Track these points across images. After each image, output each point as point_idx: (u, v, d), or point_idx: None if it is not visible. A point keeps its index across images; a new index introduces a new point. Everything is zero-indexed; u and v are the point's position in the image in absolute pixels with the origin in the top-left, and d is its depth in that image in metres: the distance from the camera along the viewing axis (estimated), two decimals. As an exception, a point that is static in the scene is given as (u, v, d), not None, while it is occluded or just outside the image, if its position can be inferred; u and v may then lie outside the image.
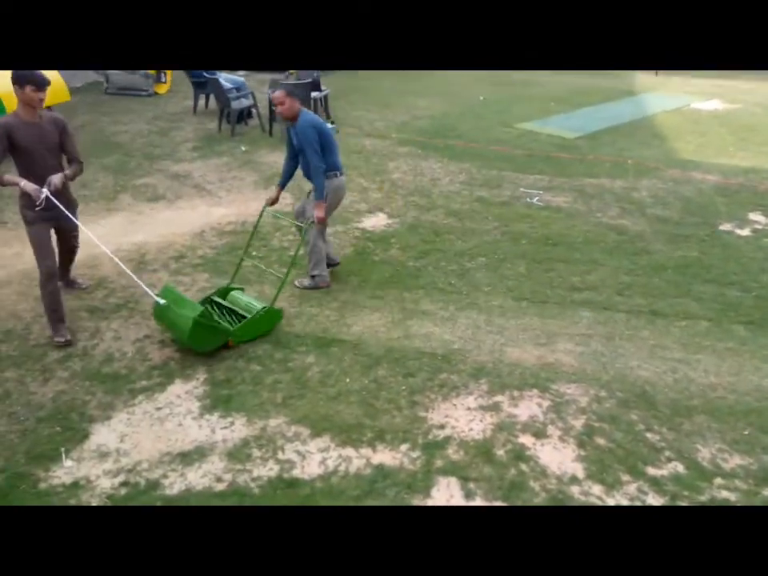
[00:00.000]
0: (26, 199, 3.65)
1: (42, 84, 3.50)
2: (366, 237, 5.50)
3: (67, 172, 3.84)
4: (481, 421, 3.32)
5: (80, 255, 4.96)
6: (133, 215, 5.88)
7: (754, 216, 6.08)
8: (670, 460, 3.07)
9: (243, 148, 7.78)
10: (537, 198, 6.40)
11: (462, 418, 3.33)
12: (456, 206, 6.22)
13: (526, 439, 3.19)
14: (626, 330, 4.19)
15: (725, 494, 2.86)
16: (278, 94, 4.22)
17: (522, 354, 3.91)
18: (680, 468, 3.01)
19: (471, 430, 3.25)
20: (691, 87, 12.42)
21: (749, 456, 3.09)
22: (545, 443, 3.17)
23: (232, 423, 3.23)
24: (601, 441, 3.18)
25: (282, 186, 4.63)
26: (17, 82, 3.46)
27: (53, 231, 3.95)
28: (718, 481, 2.94)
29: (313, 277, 4.54)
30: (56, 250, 3.97)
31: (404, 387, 3.55)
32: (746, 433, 3.25)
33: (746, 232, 5.73)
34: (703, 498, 2.82)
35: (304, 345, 3.90)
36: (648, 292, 4.63)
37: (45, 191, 3.53)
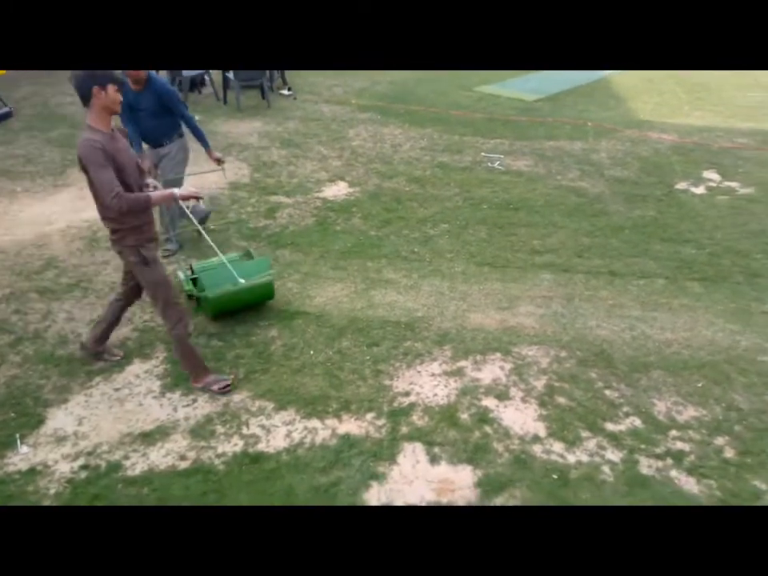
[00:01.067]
0: (146, 231, 2.96)
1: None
2: (327, 207, 5.41)
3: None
4: (445, 386, 3.34)
5: (28, 234, 4.77)
6: (82, 191, 5.64)
7: (708, 174, 6.20)
8: (627, 415, 3.16)
9: (197, 117, 7.49)
10: (498, 162, 6.39)
11: (426, 384, 3.35)
12: (418, 172, 6.16)
13: (489, 402, 3.23)
14: (586, 290, 4.26)
15: (679, 445, 2.96)
16: None
17: (485, 318, 3.94)
18: (637, 422, 3.11)
19: (436, 395, 3.27)
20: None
21: (702, 407, 3.21)
22: (507, 405, 3.22)
23: (194, 401, 3.18)
24: (561, 400, 3.25)
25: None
26: (96, 83, 2.66)
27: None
28: (673, 433, 3.04)
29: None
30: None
31: (368, 357, 3.55)
32: (700, 385, 3.36)
33: (700, 190, 5.84)
34: (658, 451, 2.92)
35: (266, 319, 3.84)
36: (606, 253, 4.71)
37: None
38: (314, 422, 3.05)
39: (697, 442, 2.98)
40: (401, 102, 8.42)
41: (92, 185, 2.82)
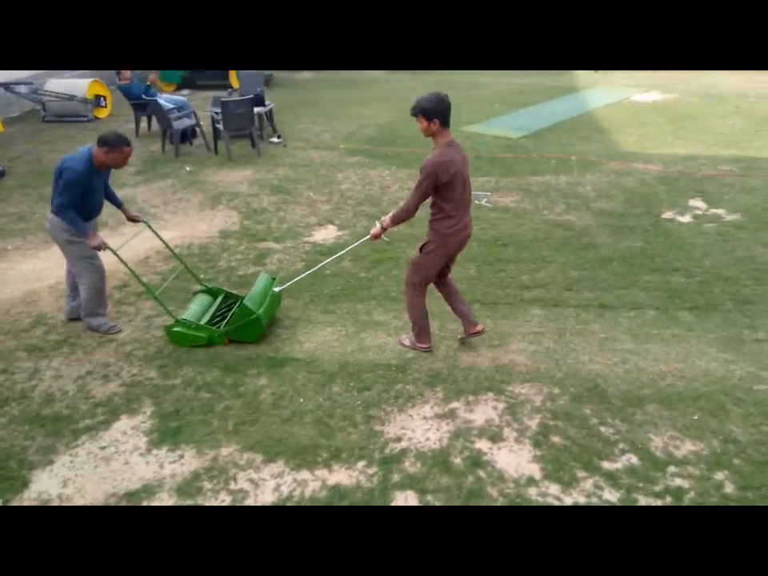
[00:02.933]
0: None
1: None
2: (316, 250, 5.44)
3: None
4: (437, 429, 3.29)
5: (17, 291, 4.77)
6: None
7: (694, 202, 6.26)
8: (623, 452, 3.09)
9: (188, 168, 7.63)
10: (485, 199, 6.46)
11: (418, 428, 3.30)
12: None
13: (482, 444, 3.17)
14: (577, 324, 4.24)
15: (678, 481, 2.89)
16: None
17: (477, 357, 3.90)
18: (634, 459, 3.04)
19: (428, 439, 3.21)
20: (630, 80, 12.82)
21: (699, 441, 3.15)
22: (501, 447, 3.16)
23: (181, 456, 3.11)
24: (556, 439, 3.19)
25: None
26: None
27: None
28: (671, 469, 2.97)
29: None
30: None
31: (359, 402, 3.50)
32: (696, 418, 3.30)
33: (687, 219, 5.89)
34: (657, 489, 2.85)
35: (255, 367, 3.81)
36: (596, 285, 4.71)
37: None
38: (304, 474, 2.98)
39: (696, 477, 2.91)
40: (388, 144, 8.58)
41: None
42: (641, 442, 3.16)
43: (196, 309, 4.19)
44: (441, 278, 3.95)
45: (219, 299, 4.40)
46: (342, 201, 6.56)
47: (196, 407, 3.46)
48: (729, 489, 2.83)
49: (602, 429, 3.26)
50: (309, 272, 4.39)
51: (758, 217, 5.83)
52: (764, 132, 8.83)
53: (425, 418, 3.38)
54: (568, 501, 2.80)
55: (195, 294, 4.46)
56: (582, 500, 2.80)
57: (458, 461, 3.06)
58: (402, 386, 3.64)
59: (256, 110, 8.34)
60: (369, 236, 3.87)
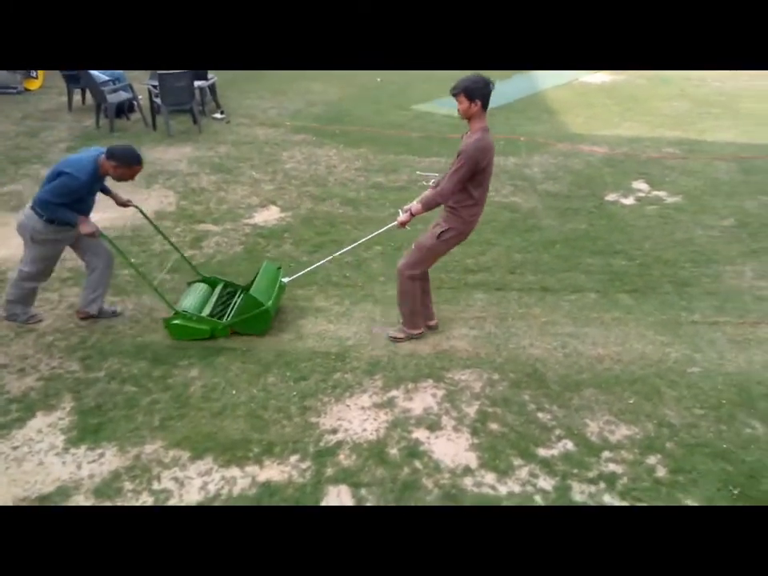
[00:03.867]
0: None
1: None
2: (256, 233, 5.24)
3: None
4: (375, 420, 3.20)
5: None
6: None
7: (637, 184, 6.33)
8: (560, 438, 3.08)
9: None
10: (433, 180, 6.34)
11: (355, 419, 3.20)
12: (352, 193, 6.06)
13: (420, 434, 3.11)
14: (519, 308, 4.21)
15: (612, 467, 2.90)
16: None
17: (418, 344, 3.83)
18: (570, 445, 3.03)
19: (365, 430, 3.12)
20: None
21: (634, 425, 3.17)
22: (439, 435, 3.10)
23: (101, 455, 2.93)
24: (494, 426, 3.16)
25: None
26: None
27: None
28: (606, 454, 2.98)
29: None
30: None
31: (295, 393, 3.37)
32: (631, 402, 3.33)
33: (630, 201, 5.95)
34: (591, 475, 2.85)
35: (186, 358, 3.62)
36: (539, 268, 4.69)
37: None
38: (233, 471, 2.85)
39: (629, 462, 2.93)
40: (336, 122, 8.35)
41: None
42: (577, 427, 3.15)
43: (193, 300, 3.93)
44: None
45: (218, 289, 4.16)
46: (286, 181, 6.33)
47: (120, 402, 3.27)
48: (661, 473, 2.86)
49: (540, 415, 3.25)
50: (324, 260, 4.20)
51: (698, 199, 5.94)
52: (706, 115, 9.02)
53: (362, 407, 3.29)
54: (503, 490, 2.77)
55: (190, 283, 4.19)
56: (516, 489, 2.77)
57: (394, 451, 2.98)
58: (340, 374, 3.53)
59: (197, 83, 7.94)
60: (395, 223, 3.67)
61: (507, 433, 3.11)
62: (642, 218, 5.57)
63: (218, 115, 8.42)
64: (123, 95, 8.09)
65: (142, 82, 8.75)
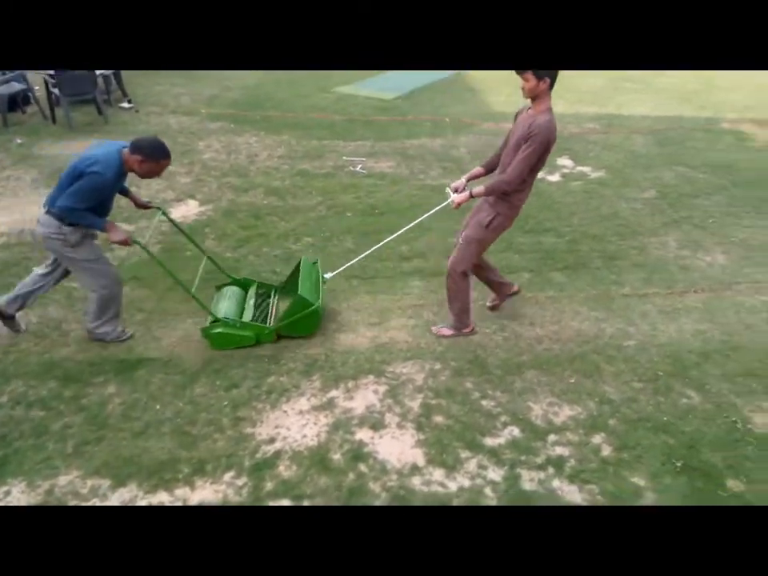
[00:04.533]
0: None
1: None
2: (175, 230, 4.85)
3: None
4: (315, 424, 3.02)
5: None
6: None
7: (562, 161, 6.40)
8: (505, 425, 3.02)
9: (18, 140, 6.57)
10: (360, 165, 6.16)
11: (293, 425, 3.01)
12: (276, 182, 5.78)
13: (363, 434, 2.96)
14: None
15: (559, 450, 2.86)
16: None
17: (356, 338, 3.66)
18: (516, 432, 2.98)
19: (304, 437, 2.94)
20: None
21: (577, 405, 3.15)
22: (383, 434, 2.96)
23: (7, 493, 2.59)
24: (438, 419, 3.05)
25: None
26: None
27: None
28: (552, 438, 2.94)
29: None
30: None
31: (226, 403, 3.13)
32: (572, 381, 3.31)
33: (556, 178, 5.99)
34: (539, 461, 2.80)
35: (101, 374, 3.29)
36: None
37: None
38: (161, 496, 2.59)
39: (575, 444, 2.90)
40: (256, 108, 7.96)
41: None
42: (521, 412, 3.10)
43: (229, 305, 3.65)
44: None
45: (252, 291, 3.89)
46: (204, 172, 5.95)
47: (26, 430, 2.91)
48: (606, 452, 2.85)
49: (484, 402, 3.17)
50: (366, 253, 3.90)
51: (620, 173, 6.07)
52: (622, 89, 9.28)
53: (301, 412, 3.09)
54: (452, 486, 2.67)
55: (219, 287, 3.90)
56: (466, 483, 2.68)
57: (337, 456, 2.82)
58: (275, 378, 3.32)
59: (99, 71, 7.33)
60: (449, 202, 3.43)
61: (452, 425, 3.01)
62: (569, 194, 5.63)
63: (125, 104, 7.83)
64: (16, 86, 7.36)
65: (38, 72, 7.99)
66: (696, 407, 3.11)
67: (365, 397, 3.20)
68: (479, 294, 4.08)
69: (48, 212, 3.14)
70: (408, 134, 7.08)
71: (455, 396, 3.21)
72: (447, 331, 3.70)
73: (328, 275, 3.78)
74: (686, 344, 3.59)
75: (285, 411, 3.09)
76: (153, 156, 3.12)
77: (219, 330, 3.46)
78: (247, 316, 3.63)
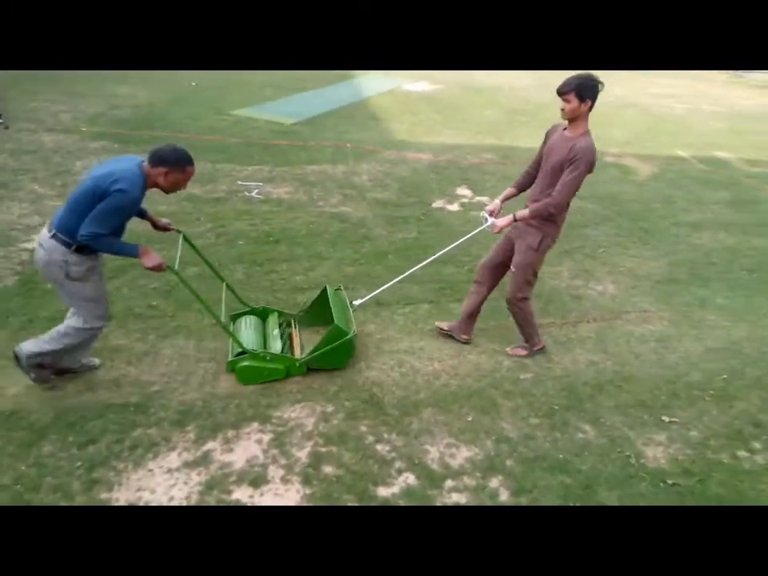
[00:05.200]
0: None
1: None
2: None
3: None
4: (185, 483, 2.64)
5: None
6: None
7: (461, 190, 6.44)
8: (400, 472, 2.79)
9: None
10: (256, 191, 5.86)
11: (159, 486, 2.61)
12: (162, 207, 5.31)
13: (241, 493, 2.61)
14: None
15: (455, 497, 2.67)
16: None
17: (235, 380, 3.32)
18: (411, 479, 2.76)
19: (171, 499, 2.55)
20: (401, 70, 13.18)
21: (474, 445, 2.99)
22: (264, 491, 2.63)
23: None
24: (328, 469, 2.78)
25: None
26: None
27: None
28: (449, 483, 2.75)
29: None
30: None
31: (80, 463, 2.68)
32: (470, 419, 3.16)
33: (455, 207, 6.00)
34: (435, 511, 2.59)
35: None
36: (372, 282, 4.42)
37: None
38: (-20, 590, 2.11)
39: (472, 489, 2.73)
40: (145, 127, 7.44)
41: None
42: (417, 456, 2.90)
43: (252, 335, 3.40)
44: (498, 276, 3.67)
45: (273, 320, 3.64)
46: (79, 195, 5.39)
47: None
48: (503, 496, 2.70)
49: (379, 447, 2.94)
50: (398, 278, 3.79)
51: (517, 202, 6.17)
52: (516, 122, 9.65)
53: (170, 470, 2.70)
54: (340, 548, 2.39)
55: (235, 317, 3.63)
56: (356, 543, 2.41)
57: (209, 522, 2.46)
58: (141, 431, 2.90)
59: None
60: (486, 227, 3.45)
61: (343, 475, 2.75)
62: (468, 223, 5.62)
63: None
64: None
65: None
66: (591, 442, 3.05)
67: (246, 448, 2.86)
68: (376, 327, 3.88)
69: (54, 236, 2.76)
70: (308, 159, 6.87)
71: (348, 442, 2.95)
72: (522, 351, 3.73)
73: (357, 302, 3.64)
74: (581, 375, 3.57)
75: (150, 470, 2.69)
76: (178, 165, 2.79)
77: (247, 363, 3.22)
78: (276, 347, 3.38)
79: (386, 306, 4.16)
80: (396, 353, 3.67)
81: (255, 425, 3.02)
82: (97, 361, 3.30)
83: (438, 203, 6.01)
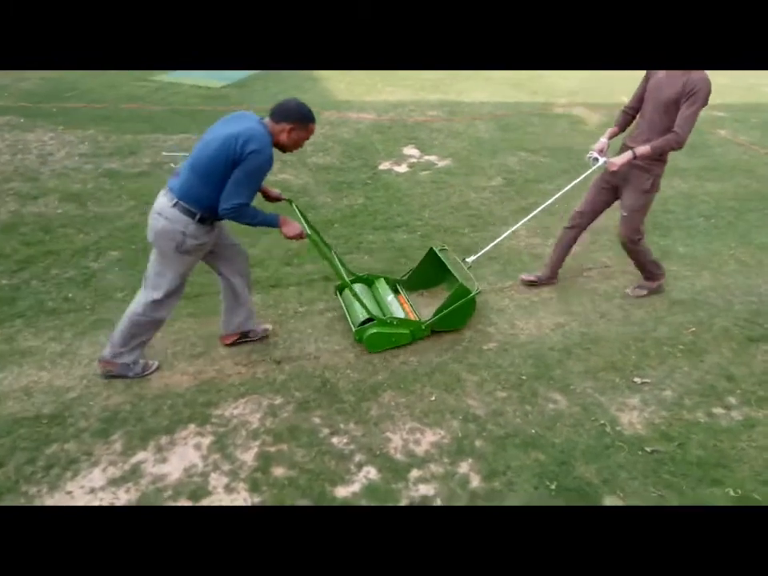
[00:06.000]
0: None
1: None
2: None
3: None
4: (112, 504, 2.27)
5: None
6: None
7: (408, 150, 6.07)
8: (360, 466, 2.51)
9: None
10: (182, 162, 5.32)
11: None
12: (76, 186, 4.76)
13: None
14: (300, 306, 3.55)
15: (422, 489, 2.41)
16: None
17: (172, 376, 2.94)
18: (372, 473, 2.47)
19: (96, 526, 2.18)
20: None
21: (439, 428, 2.73)
22: (206, 503, 2.30)
23: None
24: (279, 471, 2.46)
25: None
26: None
27: None
28: (414, 474, 2.48)
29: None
30: None
31: (-19, 494, 2.27)
32: (433, 399, 2.89)
33: (403, 168, 5.64)
34: (402, 506, 2.32)
35: None
36: (317, 256, 4.06)
37: None
38: None
39: (440, 477, 2.47)
40: (54, 100, 6.69)
41: None
42: (378, 446, 2.61)
43: (369, 304, 3.28)
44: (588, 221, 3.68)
45: (383, 286, 3.53)
46: (-23, 178, 4.75)
47: None
48: (475, 482, 2.45)
49: (335, 440, 2.63)
50: (512, 229, 3.72)
51: (467, 161, 5.87)
52: (461, 76, 9.26)
53: (92, 490, 2.32)
54: (297, 564, 2.09)
55: (340, 288, 3.52)
56: (314, 556, 2.12)
57: (141, 549, 2.11)
58: (57, 446, 2.50)
59: None
60: (602, 164, 3.36)
61: (296, 477, 2.43)
62: (418, 185, 5.29)
63: None
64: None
65: None
66: (563, 413, 2.83)
67: (183, 456, 2.51)
68: (326, 305, 3.54)
69: (176, 205, 2.55)
70: (241, 125, 6.33)
71: (300, 437, 2.64)
72: (642, 291, 3.76)
73: (470, 259, 3.50)
74: (547, 340, 3.34)
75: (69, 492, 2.31)
76: (303, 121, 2.61)
77: (375, 330, 3.11)
78: (398, 312, 3.29)
79: (334, 279, 3.80)
80: (348, 331, 3.35)
81: (192, 427, 2.66)
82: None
83: (384, 165, 5.63)
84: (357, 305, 3.22)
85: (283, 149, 2.69)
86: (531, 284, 3.83)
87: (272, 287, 3.71)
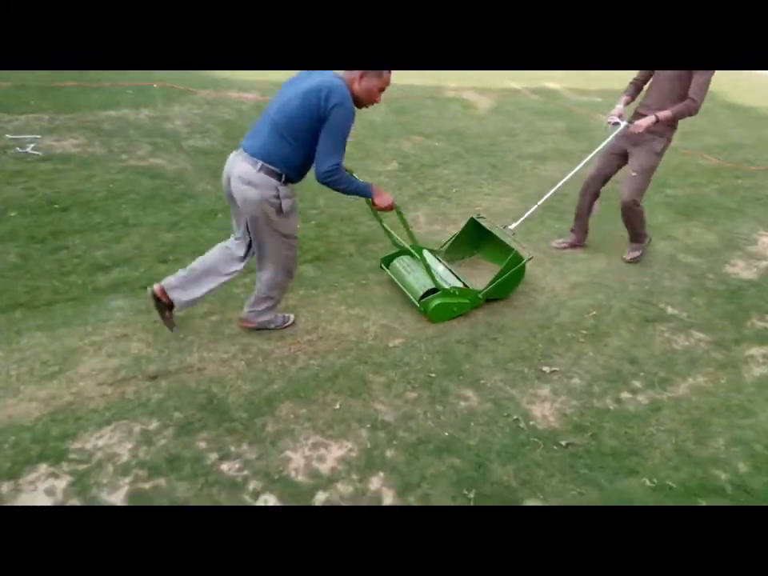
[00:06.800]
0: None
1: None
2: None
3: None
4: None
5: None
6: None
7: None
8: (256, 495, 2.16)
9: None
10: (32, 145, 4.56)
11: None
12: None
13: None
14: (178, 310, 3.08)
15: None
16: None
17: (17, 405, 2.40)
18: (272, 501, 2.14)
19: None
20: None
21: (346, 440, 2.44)
22: (62, 569, 1.84)
23: None
24: (158, 513, 2.05)
25: None
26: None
27: None
28: (320, 496, 2.18)
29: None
30: None
31: None
32: (338, 407, 2.59)
33: (292, 152, 5.24)
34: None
35: None
36: (198, 249, 3.56)
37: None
38: None
39: (348, 498, 2.19)
40: None
41: None
42: (277, 469, 2.27)
43: (420, 275, 3.24)
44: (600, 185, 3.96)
45: (429, 256, 3.36)
46: None
47: None
48: (388, 499, 2.20)
49: (225, 467, 2.26)
50: (542, 200, 3.80)
51: (361, 145, 5.58)
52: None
53: None
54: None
55: (388, 259, 3.50)
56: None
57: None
58: None
59: None
60: (624, 127, 3.59)
61: (178, 518, 2.04)
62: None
63: None
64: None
65: None
66: (476, 410, 2.66)
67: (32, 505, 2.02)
68: (211, 307, 3.11)
69: (262, 169, 2.43)
70: (102, 104, 5.58)
71: (182, 467, 2.23)
72: (636, 252, 4.02)
73: (512, 226, 3.53)
74: (454, 333, 3.16)
75: None
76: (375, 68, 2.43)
77: (439, 300, 3.12)
78: (454, 282, 3.26)
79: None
80: (239, 336, 2.96)
81: (44, 467, 2.16)
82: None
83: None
84: (411, 277, 3.26)
85: (357, 102, 2.49)
86: (564, 248, 4.12)
87: (143, 289, 3.20)
